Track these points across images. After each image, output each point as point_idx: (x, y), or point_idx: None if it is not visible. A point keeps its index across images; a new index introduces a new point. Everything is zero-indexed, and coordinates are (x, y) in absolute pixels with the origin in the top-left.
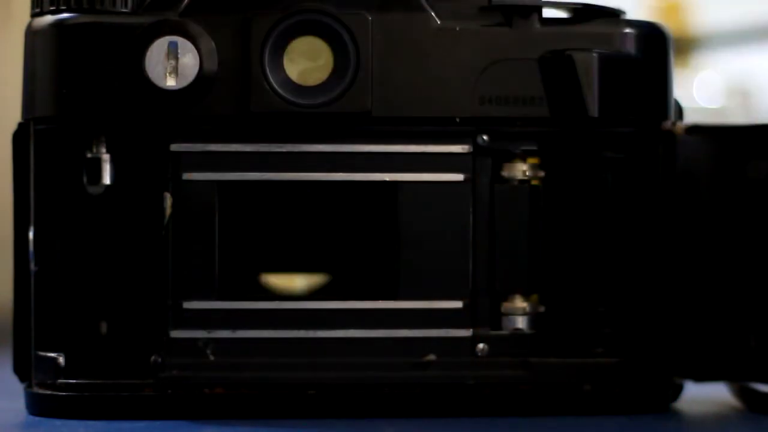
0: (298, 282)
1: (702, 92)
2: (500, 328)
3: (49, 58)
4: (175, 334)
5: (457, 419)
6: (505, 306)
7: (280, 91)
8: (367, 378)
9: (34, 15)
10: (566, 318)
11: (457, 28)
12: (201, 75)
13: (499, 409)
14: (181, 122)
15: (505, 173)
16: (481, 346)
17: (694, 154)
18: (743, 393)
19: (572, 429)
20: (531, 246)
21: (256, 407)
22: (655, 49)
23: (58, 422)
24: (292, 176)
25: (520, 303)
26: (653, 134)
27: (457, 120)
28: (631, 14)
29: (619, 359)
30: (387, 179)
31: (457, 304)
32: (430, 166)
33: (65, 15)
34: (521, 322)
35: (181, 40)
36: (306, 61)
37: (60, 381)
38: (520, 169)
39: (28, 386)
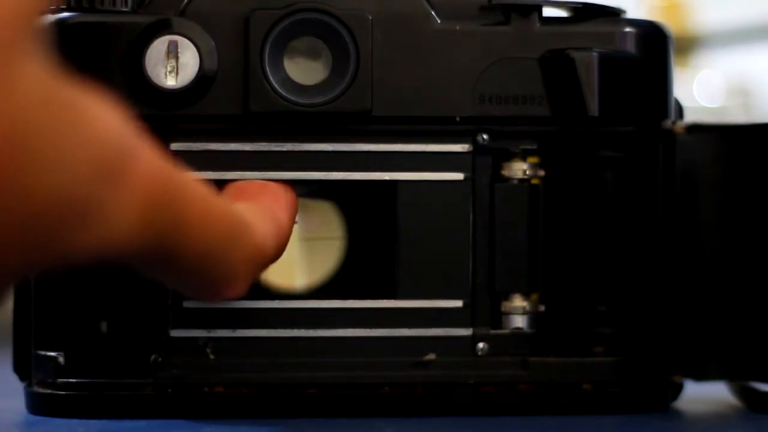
0: (298, 281)
1: (702, 91)
2: (500, 328)
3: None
4: (175, 333)
5: (457, 419)
6: (505, 305)
7: (280, 90)
8: (367, 378)
9: None
10: (566, 317)
11: (457, 28)
12: (201, 74)
13: (499, 409)
14: (181, 121)
15: (505, 172)
16: (481, 345)
17: (694, 154)
18: (743, 392)
19: (572, 429)
20: (531, 245)
21: (256, 407)
22: (655, 49)
23: (57, 421)
24: (292, 175)
25: (520, 302)
26: (653, 133)
27: (457, 119)
28: (632, 13)
29: (619, 359)
30: (387, 178)
31: (457, 303)
32: (430, 165)
33: (65, 14)
34: (521, 322)
35: (181, 40)
36: (306, 61)
37: (60, 380)
38: (520, 168)
39: (28, 385)
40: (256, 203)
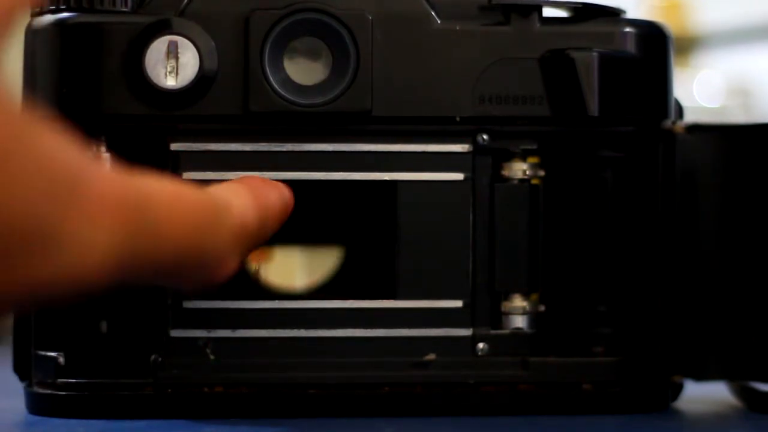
0: (298, 281)
1: (702, 91)
2: (500, 328)
3: (49, 57)
4: (175, 333)
5: (457, 419)
6: (505, 305)
7: (280, 90)
8: (367, 378)
9: (34, 14)
10: (566, 317)
11: (457, 28)
12: (201, 74)
13: (499, 409)
14: (181, 122)
15: (505, 172)
16: (481, 345)
17: (694, 154)
18: (743, 392)
19: (572, 429)
20: (531, 245)
21: (256, 407)
22: (655, 49)
23: (57, 421)
24: (292, 175)
25: (520, 302)
26: (653, 133)
27: (457, 119)
28: (632, 13)
29: (619, 359)
30: (387, 178)
31: (457, 304)
32: (430, 166)
33: (65, 14)
34: (521, 322)
35: (181, 40)
36: (306, 61)
37: (60, 380)
38: (520, 169)
39: (28, 385)
40: (232, 183)
